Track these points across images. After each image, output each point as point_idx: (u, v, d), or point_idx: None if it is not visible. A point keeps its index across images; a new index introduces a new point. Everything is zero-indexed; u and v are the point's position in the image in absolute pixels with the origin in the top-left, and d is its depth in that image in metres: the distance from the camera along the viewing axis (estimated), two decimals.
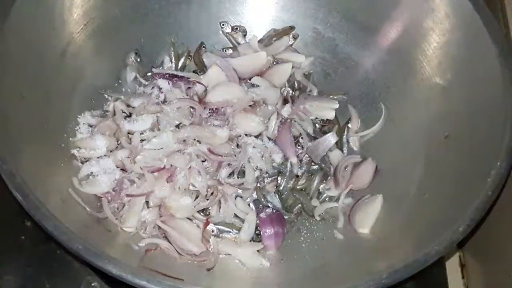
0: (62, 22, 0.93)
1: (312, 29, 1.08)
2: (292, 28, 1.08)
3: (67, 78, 0.93)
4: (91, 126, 0.94)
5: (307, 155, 0.98)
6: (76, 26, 0.95)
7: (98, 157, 0.90)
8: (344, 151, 1.01)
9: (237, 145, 0.95)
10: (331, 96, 1.05)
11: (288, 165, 0.97)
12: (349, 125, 1.03)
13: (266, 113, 0.99)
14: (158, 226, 0.86)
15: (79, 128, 0.93)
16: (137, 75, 1.02)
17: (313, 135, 1.00)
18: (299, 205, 0.95)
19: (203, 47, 1.08)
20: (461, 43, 0.90)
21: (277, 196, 0.95)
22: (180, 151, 0.90)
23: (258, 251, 0.87)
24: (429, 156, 0.90)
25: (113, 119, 0.95)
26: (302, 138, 0.99)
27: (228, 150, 0.93)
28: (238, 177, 0.93)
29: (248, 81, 1.04)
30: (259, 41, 1.08)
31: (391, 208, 0.90)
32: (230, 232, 0.91)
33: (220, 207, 0.91)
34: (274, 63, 1.08)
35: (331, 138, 0.98)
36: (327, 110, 1.02)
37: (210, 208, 0.90)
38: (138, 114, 0.95)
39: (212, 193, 0.90)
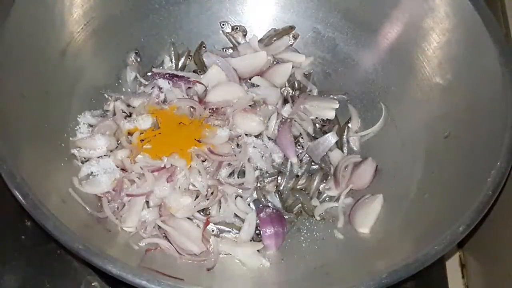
0: (62, 22, 0.93)
1: (312, 29, 1.08)
2: (292, 28, 1.08)
3: (67, 78, 0.93)
4: (91, 126, 0.94)
5: (307, 155, 0.98)
6: (76, 26, 0.95)
7: (98, 157, 0.90)
8: (344, 151, 1.01)
9: (237, 145, 0.95)
10: (331, 96, 1.05)
11: (288, 165, 0.97)
12: (349, 125, 1.03)
13: (266, 113, 0.99)
14: (158, 226, 0.86)
15: (79, 128, 0.93)
16: (137, 75, 1.02)
17: (313, 135, 1.00)
18: (299, 205, 0.95)
19: (203, 47, 1.08)
20: (461, 43, 0.90)
21: (277, 196, 0.95)
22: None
23: (258, 251, 0.87)
24: (429, 156, 0.90)
25: (113, 119, 0.95)
26: (302, 138, 0.99)
27: (228, 150, 0.93)
28: (238, 177, 0.93)
29: (248, 81, 1.04)
30: (259, 41, 1.08)
31: (391, 208, 0.90)
32: (230, 232, 0.91)
33: (220, 207, 0.91)
34: (274, 63, 1.08)
35: (331, 138, 0.98)
36: (327, 110, 1.02)
37: (210, 207, 0.90)
38: (138, 114, 0.95)
39: (212, 193, 0.90)
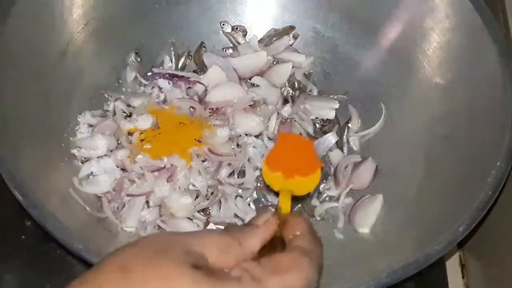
0: (62, 22, 0.93)
1: (312, 29, 1.08)
2: (292, 28, 1.08)
3: (67, 78, 0.93)
4: (91, 126, 0.94)
5: None
6: (76, 26, 0.95)
7: (98, 157, 0.90)
8: (344, 151, 1.01)
9: (237, 145, 0.95)
10: (331, 96, 1.05)
11: None
12: (349, 125, 1.02)
13: (266, 112, 0.99)
14: (158, 226, 0.86)
15: (79, 128, 0.93)
16: (137, 75, 1.02)
17: (313, 135, 1.00)
18: (299, 205, 0.95)
19: (203, 47, 1.08)
20: (461, 43, 0.90)
21: (277, 196, 0.94)
22: None
23: None
24: (429, 156, 0.90)
25: (113, 119, 0.95)
26: None
27: (228, 150, 0.93)
28: (238, 177, 0.93)
29: (248, 80, 1.04)
30: (259, 41, 1.08)
31: (391, 208, 0.89)
32: None
33: (220, 207, 0.90)
34: (274, 63, 1.07)
35: (331, 138, 0.98)
36: (327, 110, 1.02)
37: (210, 208, 0.90)
38: (138, 114, 0.95)
39: (212, 193, 0.90)
